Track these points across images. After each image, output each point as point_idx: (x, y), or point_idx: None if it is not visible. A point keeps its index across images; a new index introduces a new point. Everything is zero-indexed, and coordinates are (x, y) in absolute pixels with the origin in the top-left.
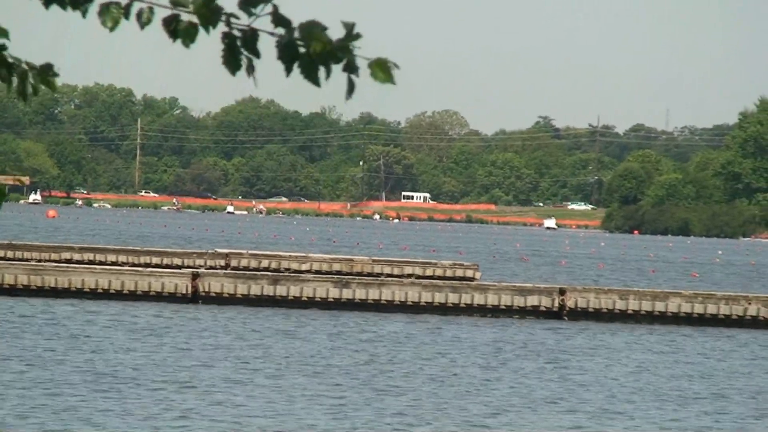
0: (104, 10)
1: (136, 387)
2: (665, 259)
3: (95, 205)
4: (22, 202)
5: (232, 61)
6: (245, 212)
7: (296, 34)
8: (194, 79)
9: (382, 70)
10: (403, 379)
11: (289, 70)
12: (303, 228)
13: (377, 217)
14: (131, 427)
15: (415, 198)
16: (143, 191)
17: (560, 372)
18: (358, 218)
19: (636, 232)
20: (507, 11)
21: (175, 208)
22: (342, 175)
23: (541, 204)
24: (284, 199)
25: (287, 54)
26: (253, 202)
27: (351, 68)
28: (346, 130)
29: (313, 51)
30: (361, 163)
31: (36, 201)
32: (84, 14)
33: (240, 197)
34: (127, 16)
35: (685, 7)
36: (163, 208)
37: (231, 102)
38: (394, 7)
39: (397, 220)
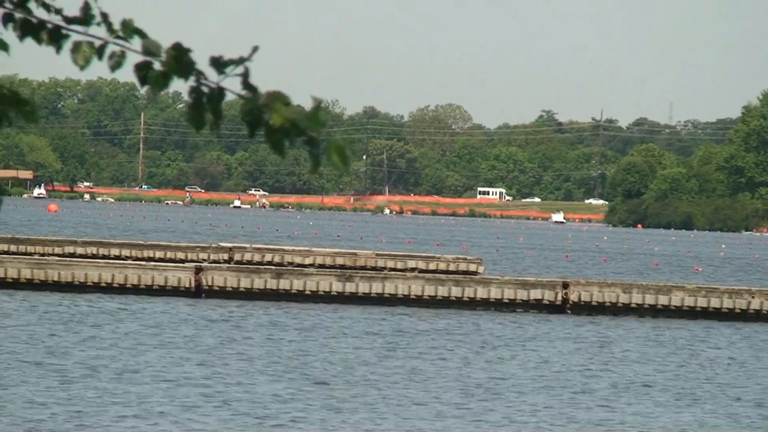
0: (77, 48)
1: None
2: (668, 253)
3: (98, 199)
4: (25, 196)
5: (196, 118)
6: (249, 206)
7: (261, 101)
8: None
9: (339, 155)
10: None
11: (251, 134)
12: (306, 222)
13: (387, 211)
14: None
15: (491, 194)
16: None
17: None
18: (365, 213)
19: (639, 225)
20: (510, 5)
21: (183, 202)
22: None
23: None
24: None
25: (250, 119)
26: (257, 196)
27: (313, 144)
28: (349, 124)
29: (273, 124)
30: (364, 157)
31: (41, 195)
32: (58, 50)
33: (241, 191)
34: (100, 56)
35: (690, 1)
36: (167, 202)
37: (233, 96)
38: (398, 3)
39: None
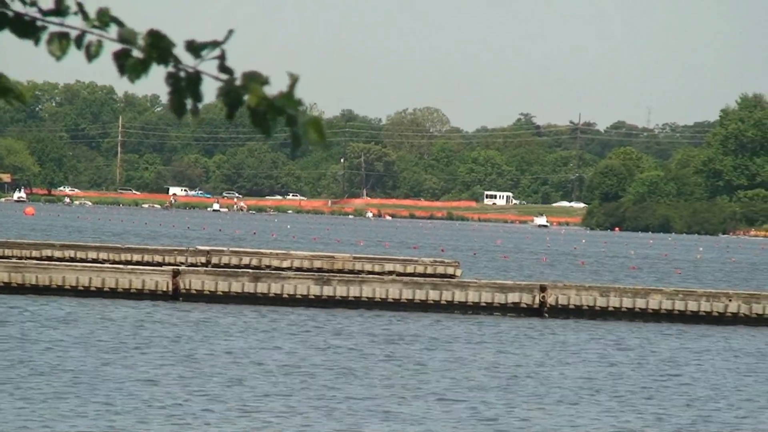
0: (53, 40)
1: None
2: (646, 256)
3: (76, 202)
4: (3, 200)
5: (177, 106)
6: (226, 209)
7: (239, 82)
8: None
9: (316, 130)
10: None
11: (230, 116)
12: (284, 225)
13: (370, 215)
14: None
15: (498, 198)
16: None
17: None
18: (350, 216)
19: (617, 229)
20: (488, 9)
21: (165, 206)
22: (323, 173)
23: (525, 202)
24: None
25: (228, 101)
26: (234, 200)
27: (292, 122)
28: (327, 127)
29: (248, 104)
30: (342, 160)
31: (21, 199)
32: (36, 42)
33: (224, 195)
34: (78, 46)
35: (667, 4)
36: (144, 205)
37: (212, 99)
38: (376, 5)
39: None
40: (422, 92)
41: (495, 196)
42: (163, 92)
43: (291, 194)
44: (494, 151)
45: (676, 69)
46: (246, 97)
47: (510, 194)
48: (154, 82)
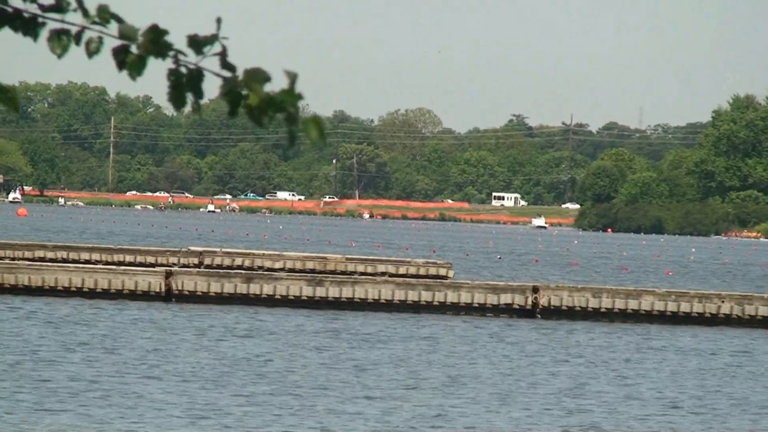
0: (54, 37)
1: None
2: (638, 257)
3: (68, 203)
4: None
5: (177, 99)
6: (218, 210)
7: (240, 79)
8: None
9: (316, 128)
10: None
11: (232, 113)
12: (276, 226)
13: (366, 216)
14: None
15: (505, 199)
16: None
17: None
18: (340, 217)
19: (609, 230)
20: (480, 10)
21: (159, 207)
22: (315, 173)
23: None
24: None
25: (230, 98)
26: (227, 200)
27: (290, 120)
28: None
29: (250, 103)
30: (334, 161)
31: (16, 200)
32: (35, 39)
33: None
34: (78, 42)
35: (659, 6)
36: (136, 206)
37: (204, 100)
38: (368, 6)
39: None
40: (414, 93)
41: (503, 198)
42: (156, 93)
43: (327, 196)
44: (486, 152)
45: (668, 70)
46: (248, 97)
47: (518, 195)
48: (147, 83)
